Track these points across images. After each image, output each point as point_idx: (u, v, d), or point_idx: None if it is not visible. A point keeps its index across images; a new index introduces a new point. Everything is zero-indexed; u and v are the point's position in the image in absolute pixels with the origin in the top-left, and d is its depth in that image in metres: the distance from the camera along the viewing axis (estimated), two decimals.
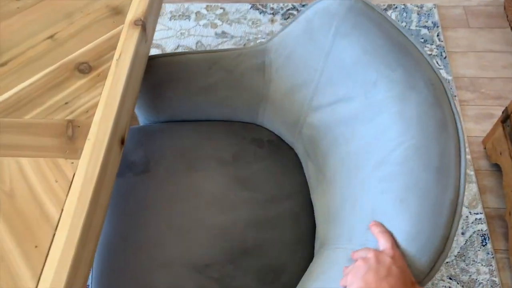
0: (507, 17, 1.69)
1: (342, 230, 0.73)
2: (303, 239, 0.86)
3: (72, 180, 0.60)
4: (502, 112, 1.27)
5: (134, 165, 0.90)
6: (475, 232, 1.24)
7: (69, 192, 0.59)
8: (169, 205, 0.85)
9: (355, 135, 0.75)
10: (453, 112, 0.67)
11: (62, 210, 0.57)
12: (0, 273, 0.53)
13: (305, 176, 0.93)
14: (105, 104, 0.67)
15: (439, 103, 0.67)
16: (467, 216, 1.26)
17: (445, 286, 1.16)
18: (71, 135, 0.64)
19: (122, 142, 0.69)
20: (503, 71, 1.55)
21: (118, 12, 0.80)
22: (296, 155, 0.96)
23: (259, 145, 0.94)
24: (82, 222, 0.56)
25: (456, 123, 0.66)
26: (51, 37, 0.77)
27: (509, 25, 1.67)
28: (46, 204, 0.58)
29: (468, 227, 1.25)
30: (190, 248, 0.80)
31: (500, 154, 1.27)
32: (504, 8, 1.71)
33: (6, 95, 0.69)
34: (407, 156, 0.63)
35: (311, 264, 0.79)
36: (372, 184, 0.67)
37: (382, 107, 0.70)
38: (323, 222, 0.82)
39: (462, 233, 1.24)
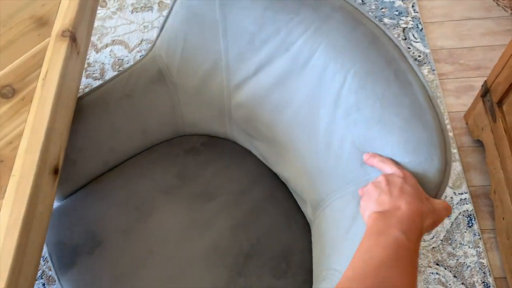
0: None
1: (334, 180, 0.69)
2: (291, 213, 0.82)
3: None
4: (482, 86, 1.20)
5: (81, 247, 0.77)
6: (460, 213, 1.19)
7: None
8: (144, 262, 0.75)
9: (294, 91, 0.70)
10: (371, 21, 0.65)
11: None
12: None
13: (257, 158, 0.87)
14: (31, 132, 0.60)
15: (358, 20, 0.64)
16: (452, 197, 1.22)
17: (432, 273, 1.12)
18: None
19: (56, 172, 0.63)
20: (482, 39, 1.48)
21: (43, 23, 0.72)
22: (235, 143, 0.90)
23: (196, 153, 0.88)
24: (7, 272, 0.50)
25: (381, 30, 0.64)
26: None
27: None
28: None
29: (453, 208, 1.20)
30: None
31: (482, 129, 1.21)
32: None
33: None
34: (360, 80, 0.61)
35: (313, 231, 0.77)
36: (340, 124, 0.65)
37: (307, 49, 0.66)
38: (307, 187, 0.76)
39: (448, 216, 1.19)
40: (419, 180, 0.57)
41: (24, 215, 0.54)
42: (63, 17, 0.72)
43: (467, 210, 1.19)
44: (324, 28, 0.63)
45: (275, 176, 0.86)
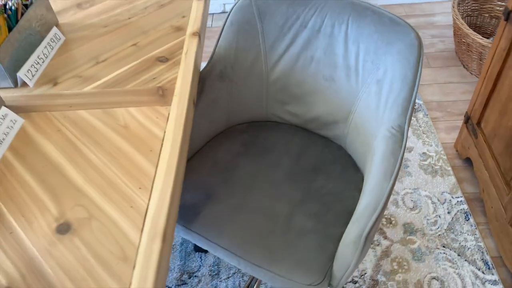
0: (459, 58, 2.11)
1: (356, 90, 1.03)
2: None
3: (168, 116, 0.87)
4: (464, 116, 1.60)
5: (198, 203, 1.03)
6: (458, 211, 1.49)
7: (167, 122, 0.85)
8: (242, 197, 1.05)
9: (315, 50, 1.08)
10: None
11: (165, 131, 0.83)
12: (129, 168, 0.77)
13: (287, 126, 1.20)
14: (182, 78, 0.96)
15: None
16: (450, 200, 1.52)
17: (440, 253, 1.38)
18: (162, 94, 0.92)
19: (194, 103, 0.97)
20: (462, 95, 1.92)
21: (180, 29, 1.13)
22: (269, 121, 1.24)
23: (246, 132, 1.21)
24: (180, 137, 0.82)
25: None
26: (134, 44, 1.08)
27: (461, 64, 2.08)
28: (153, 129, 0.84)
29: (452, 207, 1.50)
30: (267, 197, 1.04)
31: (468, 148, 1.57)
32: (456, 53, 2.15)
33: (108, 77, 0.98)
34: (356, 21, 1.01)
35: (350, 134, 1.08)
36: (352, 51, 1.02)
37: (319, 20, 1.04)
38: (336, 110, 1.11)
39: (448, 212, 1.48)
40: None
41: (186, 111, 0.87)
42: (193, 25, 1.13)
43: (463, 209, 1.49)
44: (325, 6, 1.03)
45: (303, 129, 1.21)
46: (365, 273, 1.34)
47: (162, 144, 0.81)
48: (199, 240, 0.98)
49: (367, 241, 0.77)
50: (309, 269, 0.88)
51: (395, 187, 1.58)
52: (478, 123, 1.50)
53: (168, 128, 0.84)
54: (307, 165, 1.09)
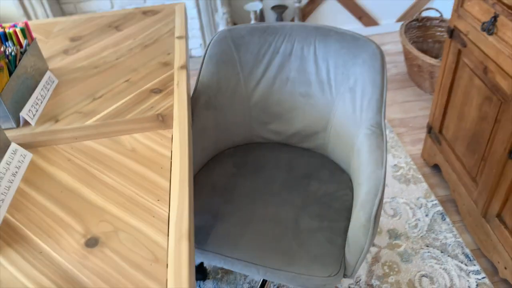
0: (412, 79, 2.33)
1: (331, 99, 1.16)
2: (316, 165, 1.19)
3: (171, 137, 0.94)
4: (426, 127, 1.76)
5: (203, 225, 1.10)
6: (435, 213, 1.61)
7: (172, 143, 0.92)
8: (244, 210, 1.14)
9: (288, 72, 1.22)
10: (313, 24, 1.12)
11: (171, 151, 0.90)
12: (144, 184, 0.83)
13: (270, 145, 1.30)
14: (178, 104, 1.04)
15: (306, 25, 1.15)
16: (426, 204, 1.64)
17: (425, 252, 1.47)
18: (162, 120, 1.00)
19: (191, 126, 1.05)
20: (420, 111, 2.11)
21: (167, 64, 1.22)
22: (254, 143, 1.33)
23: (234, 155, 1.30)
24: (186, 152, 0.89)
25: (321, 26, 1.11)
26: (126, 81, 1.16)
27: (415, 84, 2.29)
28: (160, 150, 0.91)
29: (429, 210, 1.62)
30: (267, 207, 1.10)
31: (435, 155, 1.72)
32: (409, 75, 2.36)
33: (107, 110, 1.04)
34: (322, 41, 1.16)
35: (331, 139, 1.18)
36: (322, 67, 1.17)
37: (289, 46, 1.19)
38: (315, 122, 1.23)
39: (426, 215, 1.60)
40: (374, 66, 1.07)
41: (187, 131, 0.95)
42: (179, 60, 1.22)
43: (438, 210, 1.61)
44: (293, 33, 1.17)
45: (285, 145, 1.30)
46: (360, 280, 1.41)
47: (171, 161, 0.87)
48: (215, 258, 1.02)
49: (376, 222, 0.85)
50: (325, 262, 0.95)
51: None
52: (440, 131, 1.66)
53: (174, 147, 0.91)
54: (298, 174, 1.18)
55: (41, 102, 1.08)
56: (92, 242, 0.73)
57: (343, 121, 1.14)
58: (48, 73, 1.16)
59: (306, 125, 1.24)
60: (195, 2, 2.46)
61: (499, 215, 1.32)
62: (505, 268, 1.31)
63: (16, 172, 0.87)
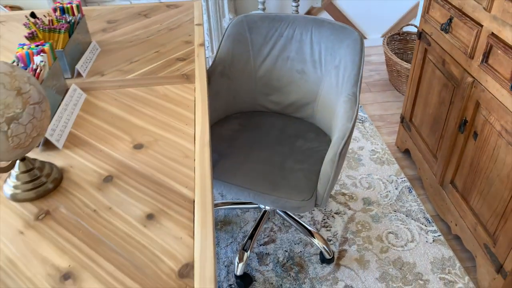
0: (392, 84, 2.65)
1: (320, 75, 1.39)
2: (305, 127, 1.47)
3: (194, 88, 1.22)
4: (400, 118, 2.06)
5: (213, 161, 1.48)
6: (403, 187, 1.89)
7: (195, 91, 1.20)
8: (244, 153, 1.44)
9: (289, 52, 1.51)
10: (313, 16, 1.42)
11: (195, 97, 1.18)
12: (175, 115, 1.11)
13: (271, 114, 1.59)
14: (198, 69, 1.33)
15: (308, 17, 1.44)
16: (396, 180, 1.93)
17: (393, 216, 1.75)
18: (186, 77, 1.28)
19: (208, 82, 1.33)
20: (397, 110, 2.42)
21: (189, 42, 1.51)
22: (256, 111, 1.63)
23: (240, 117, 1.59)
24: (206, 97, 1.17)
25: (320, 19, 1.42)
26: (157, 51, 1.45)
27: (395, 88, 2.61)
28: (185, 95, 1.19)
29: (398, 185, 1.90)
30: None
31: (405, 141, 2.02)
32: (389, 80, 2.69)
33: (143, 70, 1.33)
34: (317, 29, 1.43)
35: (318, 108, 1.41)
36: (316, 49, 1.45)
37: (291, 31, 1.49)
38: (308, 94, 1.49)
39: (396, 188, 1.88)
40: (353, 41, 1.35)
41: (206, 84, 1.23)
42: (198, 40, 1.52)
43: (407, 185, 1.90)
44: (295, 22, 1.47)
45: (282, 115, 1.59)
46: (337, 234, 1.68)
47: (195, 102, 1.16)
48: (217, 184, 1.29)
49: (340, 158, 1.14)
50: (301, 191, 1.22)
51: (353, 174, 1.97)
52: (410, 120, 1.96)
53: (196, 94, 1.19)
54: (289, 134, 1.47)
55: (89, 62, 1.37)
56: (138, 146, 1.00)
57: (328, 93, 1.43)
58: (93, 42, 1.45)
59: (300, 97, 1.53)
60: (205, 8, 2.79)
61: (452, 181, 1.60)
62: (456, 225, 1.59)
63: (76, 103, 1.15)
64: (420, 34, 1.76)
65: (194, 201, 0.84)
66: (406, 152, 2.08)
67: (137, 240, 0.77)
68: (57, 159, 0.97)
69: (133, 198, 0.86)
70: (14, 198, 0.85)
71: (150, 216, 0.82)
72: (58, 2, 1.43)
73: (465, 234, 1.53)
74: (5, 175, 0.92)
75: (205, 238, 0.76)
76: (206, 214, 0.81)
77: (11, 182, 0.85)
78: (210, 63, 1.55)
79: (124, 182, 0.90)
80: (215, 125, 1.55)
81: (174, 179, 0.90)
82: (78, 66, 1.29)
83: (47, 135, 0.98)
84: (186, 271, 0.71)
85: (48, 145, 1.01)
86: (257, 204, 1.69)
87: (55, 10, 1.38)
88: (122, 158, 0.97)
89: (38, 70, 1.03)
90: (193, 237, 0.77)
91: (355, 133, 2.22)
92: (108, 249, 0.75)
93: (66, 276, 0.71)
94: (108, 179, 0.91)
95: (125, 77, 1.29)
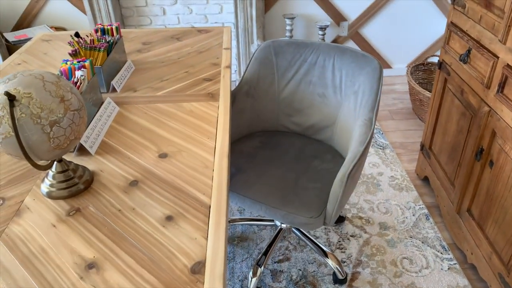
0: (415, 113, 2.67)
1: (340, 101, 1.44)
2: (322, 150, 1.53)
3: (218, 106, 1.31)
4: (420, 144, 2.09)
5: (232, 174, 1.56)
6: (420, 214, 1.90)
7: (218, 109, 1.29)
8: (261, 172, 1.51)
9: (312, 77, 1.57)
10: (337, 44, 1.49)
11: (218, 114, 1.27)
12: (198, 129, 1.19)
13: (291, 134, 1.64)
14: (223, 89, 1.42)
15: (331, 45, 1.51)
16: (414, 207, 1.94)
17: (409, 242, 1.76)
18: (211, 96, 1.37)
19: (232, 103, 1.42)
20: (419, 138, 2.44)
21: (216, 64, 1.62)
22: (278, 131, 1.69)
23: (261, 135, 1.66)
24: (228, 114, 1.25)
25: (342, 46, 1.47)
26: (186, 72, 1.55)
27: (417, 117, 2.64)
28: (210, 112, 1.27)
29: (416, 212, 1.91)
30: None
31: (425, 169, 2.04)
32: (412, 109, 2.72)
33: (172, 88, 1.43)
34: (339, 56, 1.47)
35: (336, 131, 1.46)
36: (337, 75, 1.50)
37: (315, 58, 1.55)
38: (327, 117, 1.55)
39: (413, 215, 1.89)
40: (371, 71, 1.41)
41: (230, 103, 1.32)
42: (225, 62, 1.62)
43: (424, 212, 1.90)
44: (319, 48, 1.54)
45: (303, 136, 1.64)
46: (351, 256, 1.70)
47: (217, 119, 1.24)
48: (232, 196, 1.36)
49: (349, 178, 1.18)
50: (310, 208, 1.27)
51: (371, 199, 1.99)
52: (430, 147, 1.98)
53: (219, 111, 1.28)
54: (307, 154, 1.53)
55: (124, 78, 1.48)
56: (163, 155, 1.08)
57: (347, 117, 1.49)
58: (129, 61, 1.57)
59: (320, 119, 1.60)
60: (235, 34, 2.92)
61: (469, 209, 1.61)
62: (472, 253, 1.59)
63: (110, 115, 1.25)
64: (441, 64, 1.81)
65: (210, 207, 0.91)
66: (425, 179, 2.09)
67: (156, 238, 0.84)
68: (89, 163, 1.06)
69: (155, 201, 0.93)
70: (49, 195, 0.94)
71: (169, 218, 0.89)
72: (100, 24, 1.56)
73: (481, 263, 1.53)
74: (43, 174, 1.02)
75: (217, 239, 0.82)
76: (220, 219, 0.87)
77: (47, 181, 0.95)
78: (237, 85, 1.66)
79: (147, 187, 0.98)
80: (237, 142, 1.63)
81: (193, 186, 0.98)
82: (113, 82, 1.40)
83: (82, 141, 1.08)
84: (198, 267, 0.77)
85: (82, 150, 1.11)
86: (273, 222, 1.74)
87: (96, 31, 1.52)
88: (148, 165, 1.05)
89: (78, 83, 1.15)
90: (206, 238, 0.83)
91: (375, 159, 2.26)
92: (129, 245, 0.83)
93: (91, 265, 0.78)
94: (134, 183, 0.99)
95: (156, 94, 1.40)
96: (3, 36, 2.68)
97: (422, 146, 2.05)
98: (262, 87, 1.64)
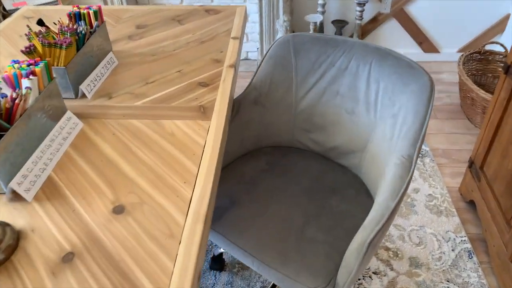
0: (463, 112, 2.26)
1: (373, 123, 1.17)
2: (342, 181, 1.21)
3: (208, 128, 1.00)
4: (468, 161, 1.72)
5: (223, 207, 1.18)
6: (462, 249, 1.56)
7: (208, 133, 0.98)
8: (261, 207, 1.20)
9: (340, 86, 1.23)
10: (374, 45, 1.12)
11: (205, 140, 0.96)
12: (175, 166, 0.89)
13: (307, 152, 1.32)
14: (220, 99, 1.11)
15: (367, 44, 1.16)
16: (454, 239, 1.60)
17: (444, 286, 1.44)
18: (203, 111, 1.07)
19: (228, 121, 1.11)
20: (466, 145, 2.05)
21: (218, 61, 1.29)
22: (291, 147, 1.37)
23: (271, 154, 1.34)
24: (218, 142, 0.95)
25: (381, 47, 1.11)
26: (179, 71, 1.24)
27: (466, 117, 2.23)
28: (195, 137, 0.97)
29: (456, 246, 1.58)
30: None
31: (472, 191, 1.68)
32: (461, 106, 2.30)
33: (156, 95, 1.13)
34: (377, 64, 1.14)
35: (365, 163, 1.21)
36: (372, 88, 1.17)
37: (346, 61, 1.20)
38: (353, 141, 1.24)
39: (452, 250, 1.56)
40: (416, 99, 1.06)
41: (224, 125, 1.01)
42: (229, 59, 1.29)
43: (466, 247, 1.57)
44: (353, 49, 1.19)
45: (323, 157, 1.33)
46: None
47: (203, 150, 0.94)
48: (219, 240, 1.07)
49: (369, 248, 0.87)
50: (315, 274, 0.97)
51: (402, 224, 1.67)
52: (481, 167, 1.61)
53: (208, 138, 0.97)
54: (324, 186, 1.21)
55: (100, 79, 1.19)
56: (119, 209, 0.80)
57: (379, 146, 1.15)
58: (110, 54, 1.27)
59: (346, 141, 1.26)
60: (258, 8, 2.54)
61: None
62: None
63: (67, 137, 0.97)
64: (508, 68, 1.41)
65: None
66: (471, 203, 1.73)
67: None
68: (21, 215, 0.79)
69: None
70: None
71: None
72: (76, 6, 1.25)
73: None
74: None
75: None
76: None
77: None
78: (256, 69, 1.32)
79: (84, 266, 0.70)
80: (240, 159, 1.32)
81: (145, 270, 0.69)
82: (82, 86, 1.11)
83: (13, 184, 0.81)
84: None
85: (17, 193, 0.84)
86: None
87: (70, 16, 1.21)
88: (95, 226, 0.77)
89: (17, 101, 0.86)
90: None
91: None
92: None
93: None
94: (69, 257, 0.72)
95: (133, 103, 1.10)
96: (0, 3, 2.41)
97: (471, 163, 1.68)
98: (275, 94, 1.31)
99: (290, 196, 1.17)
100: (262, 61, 1.32)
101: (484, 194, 1.57)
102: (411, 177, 0.97)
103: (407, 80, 1.09)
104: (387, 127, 1.12)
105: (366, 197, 1.19)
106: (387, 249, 1.57)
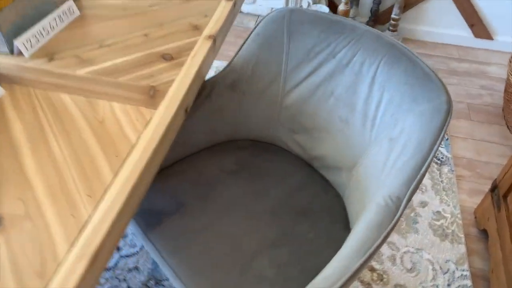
0: (504, 117, 1.94)
1: (368, 140, 0.93)
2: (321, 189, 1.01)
3: (149, 121, 0.79)
4: (492, 183, 1.44)
5: (166, 210, 0.97)
6: (460, 285, 1.34)
7: (146, 127, 0.78)
8: (214, 220, 0.96)
9: (338, 84, 0.98)
10: (387, 36, 0.86)
11: (139, 137, 0.76)
12: (87, 169, 0.70)
13: (291, 153, 1.10)
14: (180, 82, 0.89)
15: (380, 35, 0.92)
16: (453, 271, 1.38)
17: None
18: (152, 94, 0.85)
19: (186, 111, 0.89)
20: (497, 158, 1.76)
21: (197, 28, 1.05)
22: (273, 144, 1.14)
23: (245, 149, 1.12)
24: (154, 146, 0.74)
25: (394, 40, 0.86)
26: (145, 35, 1.02)
27: (506, 124, 1.91)
28: (127, 131, 0.77)
29: (454, 280, 1.35)
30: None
31: (488, 219, 1.42)
32: (503, 110, 1.97)
33: (105, 64, 0.92)
34: (387, 65, 0.87)
35: (351, 185, 0.97)
36: (374, 96, 0.92)
37: (350, 54, 0.94)
38: (343, 155, 1.00)
39: (448, 285, 1.34)
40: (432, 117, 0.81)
41: (170, 120, 0.80)
42: (211, 28, 1.05)
43: (466, 285, 1.34)
44: (361, 40, 0.93)
45: (306, 165, 1.10)
46: None
47: (131, 151, 0.74)
48: (152, 251, 0.90)
49: None
50: None
51: (396, 242, 1.45)
52: (505, 196, 1.35)
53: (144, 134, 0.76)
54: (296, 204, 0.99)
55: (47, 34, 0.98)
56: None
57: (369, 172, 0.91)
58: (69, 2, 1.05)
59: (333, 154, 1.03)
60: None
61: None
62: None
63: None
64: None
65: None
66: (484, 232, 1.48)
67: None
68: None
69: None
70: None
71: None
72: None
73: None
74: None
75: None
76: None
77: None
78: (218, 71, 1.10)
79: None
80: (206, 152, 1.12)
81: None
82: (18, 42, 0.91)
83: None
84: None
85: None
86: None
87: None
88: None
89: None
90: None
91: (424, 179, 1.65)
92: None
93: None
94: None
95: (75, 71, 0.90)
96: None
97: (495, 187, 1.41)
98: (258, 81, 1.07)
99: (250, 212, 0.97)
100: (247, 38, 1.07)
101: (501, 228, 1.31)
102: (392, 228, 0.74)
103: (419, 95, 0.82)
104: (381, 152, 0.87)
105: (342, 228, 0.97)
106: (373, 269, 1.37)
